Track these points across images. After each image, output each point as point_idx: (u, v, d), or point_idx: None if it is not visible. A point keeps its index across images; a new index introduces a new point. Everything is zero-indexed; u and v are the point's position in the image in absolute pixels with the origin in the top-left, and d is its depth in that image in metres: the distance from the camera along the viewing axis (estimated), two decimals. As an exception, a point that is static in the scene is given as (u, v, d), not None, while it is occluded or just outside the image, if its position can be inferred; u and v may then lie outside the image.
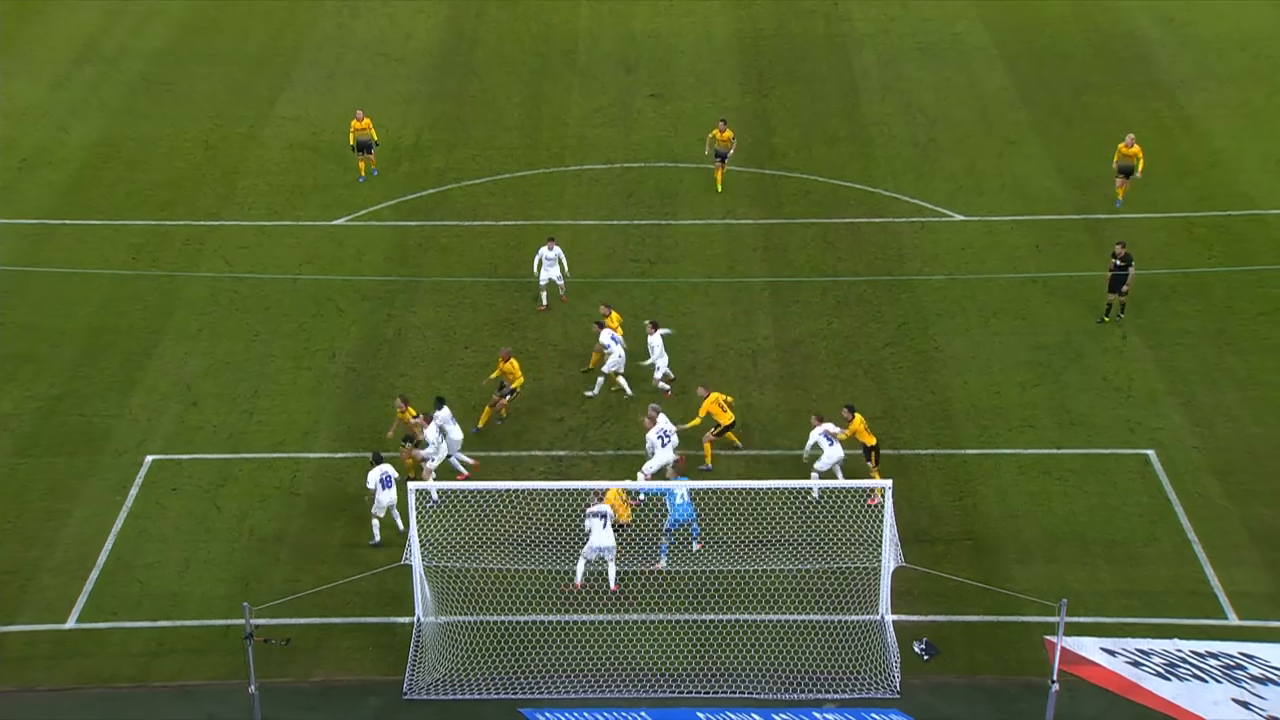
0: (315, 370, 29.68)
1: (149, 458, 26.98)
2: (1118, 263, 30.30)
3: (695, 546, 24.24)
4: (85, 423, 28.00)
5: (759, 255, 33.72)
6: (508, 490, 24.12)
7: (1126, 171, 34.79)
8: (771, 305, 31.69)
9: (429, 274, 33.08)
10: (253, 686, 21.10)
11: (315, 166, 37.80)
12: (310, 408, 28.50)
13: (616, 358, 27.78)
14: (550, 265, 30.97)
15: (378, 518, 24.58)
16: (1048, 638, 22.00)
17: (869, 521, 22.98)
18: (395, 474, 24.65)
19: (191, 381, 29.33)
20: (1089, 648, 22.09)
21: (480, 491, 23.99)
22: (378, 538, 24.59)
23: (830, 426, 25.63)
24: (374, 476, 24.46)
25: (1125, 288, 30.31)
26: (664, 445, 25.22)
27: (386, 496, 24.50)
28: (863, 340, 30.56)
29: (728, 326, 30.99)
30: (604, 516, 23.45)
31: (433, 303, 31.99)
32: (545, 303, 31.04)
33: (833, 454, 25.44)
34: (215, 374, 29.59)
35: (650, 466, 25.29)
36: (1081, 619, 22.87)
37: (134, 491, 26.17)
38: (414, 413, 26.06)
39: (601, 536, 23.43)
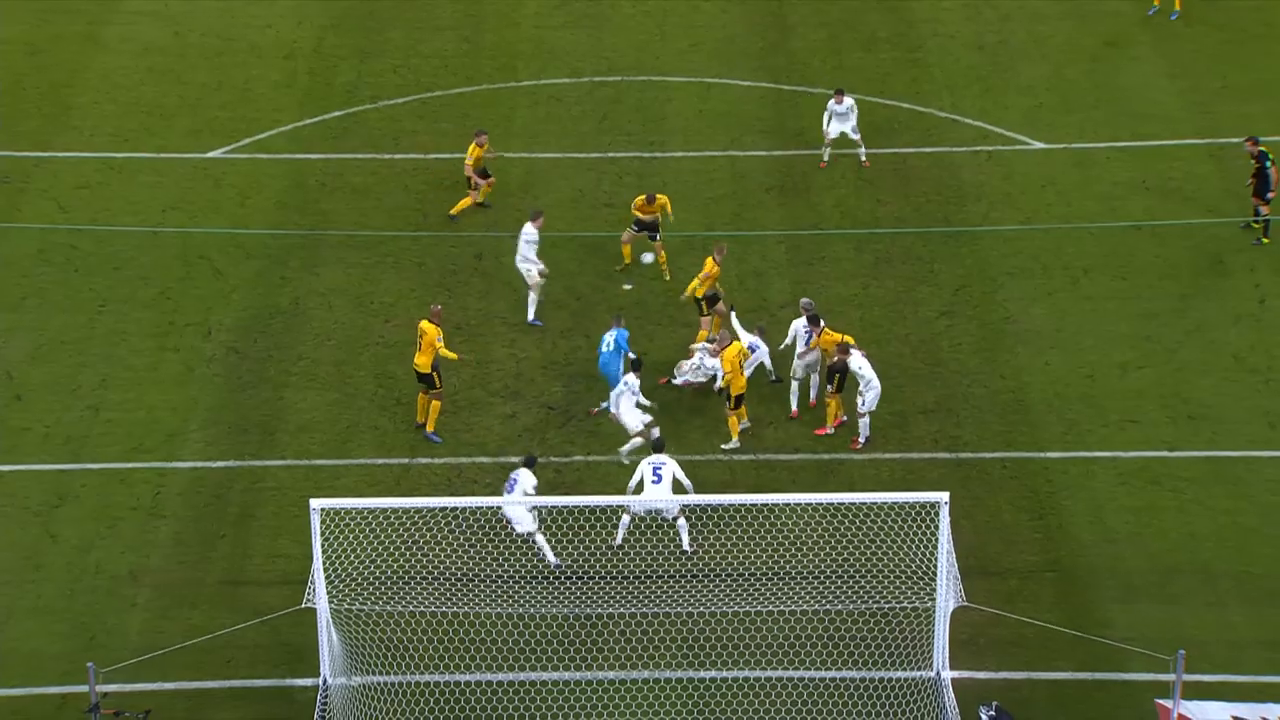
0: (185, 352, 29.62)
1: (-41, 469, 26.98)
2: (1252, 161, 31.43)
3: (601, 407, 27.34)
4: (-126, 423, 27.91)
5: (773, 198, 33.75)
6: (443, 508, 24.07)
7: None
8: (789, 264, 31.75)
9: (336, 224, 33.00)
10: (101, 773, 21.08)
11: (181, 78, 37.63)
12: (178, 401, 28.43)
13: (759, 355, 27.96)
14: (843, 119, 33.81)
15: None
16: (1160, 701, 22.12)
17: (920, 546, 23.06)
18: (528, 481, 24.83)
19: (14, 368, 29.20)
20: (1216, 715, 22.19)
21: (408, 510, 23.95)
22: (552, 557, 24.94)
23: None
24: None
25: (1270, 194, 31.18)
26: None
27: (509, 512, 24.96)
28: (911, 309, 30.64)
29: (732, 291, 30.99)
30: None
31: (341, 261, 31.94)
32: (827, 160, 34.11)
33: (879, 389, 26.88)
34: (47, 357, 29.46)
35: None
36: (1206, 676, 22.98)
37: (-61, 514, 26.13)
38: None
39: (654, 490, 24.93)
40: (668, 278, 30.81)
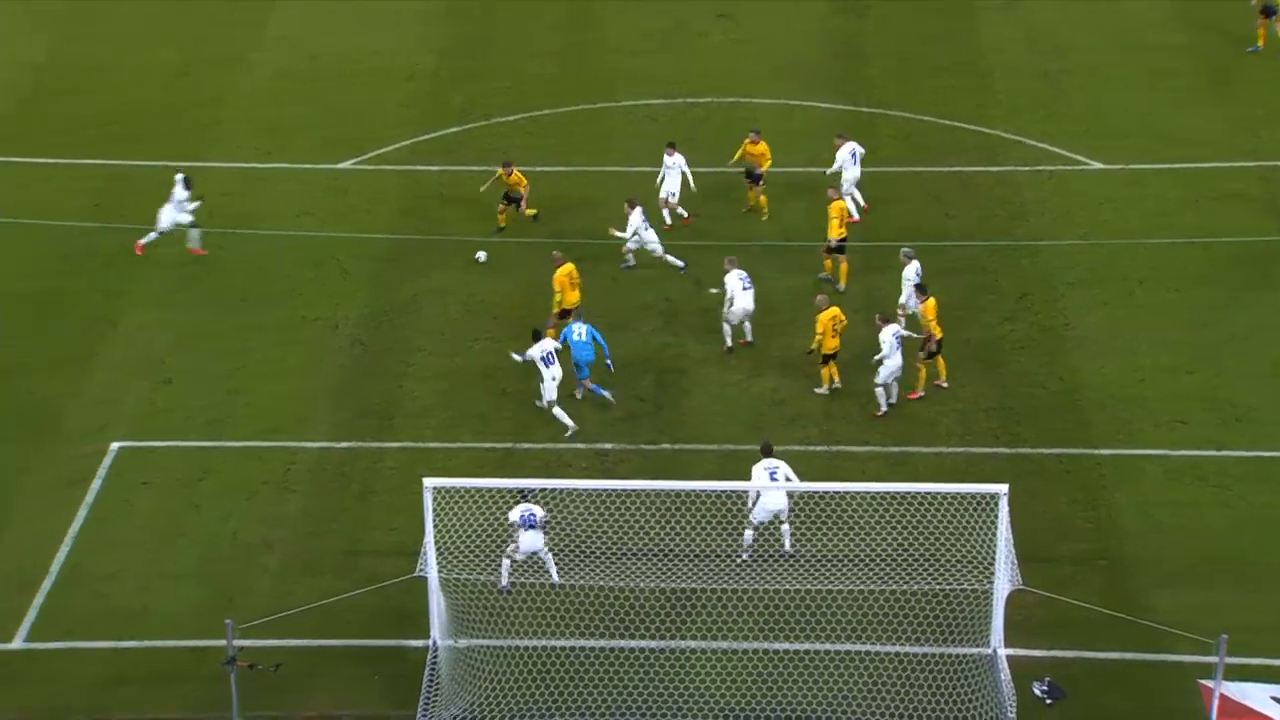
0: (313, 343, 29.97)
1: (115, 445, 27.35)
2: None
3: (607, 395, 27.55)
4: (36, 403, 28.37)
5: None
6: (542, 489, 24.22)
7: (1269, 11, 37.03)
8: (862, 272, 31.59)
9: (450, 230, 33.29)
10: (235, 720, 21.34)
11: (314, 98, 38.14)
12: (307, 388, 28.78)
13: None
14: (671, 175, 32.55)
15: (512, 559, 23.92)
16: (1202, 682, 21.80)
17: (980, 534, 22.89)
18: (541, 513, 23.74)
19: (164, 355, 29.68)
20: (1256, 696, 21.80)
21: (509, 490, 24.13)
22: (505, 581, 23.91)
23: (900, 328, 27.41)
24: (515, 513, 23.74)
25: None
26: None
27: (529, 540, 23.73)
28: (975, 315, 30.41)
29: (809, 297, 30.86)
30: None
31: (454, 265, 32.20)
32: (670, 222, 32.84)
33: (894, 364, 27.27)
34: (192, 346, 29.92)
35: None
36: (1247, 659, 22.59)
37: (96, 485, 26.52)
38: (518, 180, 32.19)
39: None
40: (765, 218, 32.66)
